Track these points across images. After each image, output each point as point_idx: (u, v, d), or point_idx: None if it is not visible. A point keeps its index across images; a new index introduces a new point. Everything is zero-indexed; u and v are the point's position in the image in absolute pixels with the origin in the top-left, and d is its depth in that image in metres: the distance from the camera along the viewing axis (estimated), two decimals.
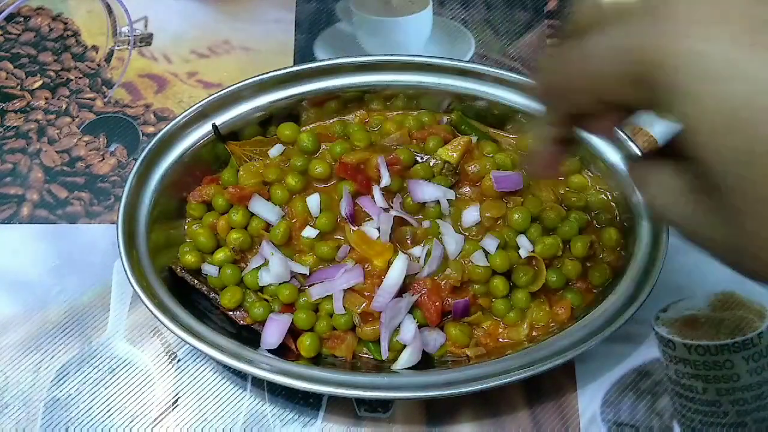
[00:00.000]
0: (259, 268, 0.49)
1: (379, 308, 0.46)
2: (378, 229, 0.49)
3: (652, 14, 0.25)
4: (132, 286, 0.46)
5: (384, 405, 0.49)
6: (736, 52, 0.23)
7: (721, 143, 0.23)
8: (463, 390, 0.44)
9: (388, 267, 0.47)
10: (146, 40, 0.66)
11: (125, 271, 0.46)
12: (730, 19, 0.23)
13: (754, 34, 0.23)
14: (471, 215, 0.49)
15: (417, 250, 0.48)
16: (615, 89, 0.26)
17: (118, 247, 0.47)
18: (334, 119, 0.55)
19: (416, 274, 0.48)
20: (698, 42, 0.23)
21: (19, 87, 0.63)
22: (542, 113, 0.32)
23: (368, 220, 0.49)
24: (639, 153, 0.46)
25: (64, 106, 0.62)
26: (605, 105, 0.28)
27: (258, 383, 0.50)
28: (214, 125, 0.52)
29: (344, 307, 0.47)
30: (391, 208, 0.50)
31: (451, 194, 0.50)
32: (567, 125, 0.32)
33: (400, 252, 0.48)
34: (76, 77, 0.64)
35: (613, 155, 0.51)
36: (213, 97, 0.52)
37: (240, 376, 0.50)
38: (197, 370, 0.51)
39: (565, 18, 0.67)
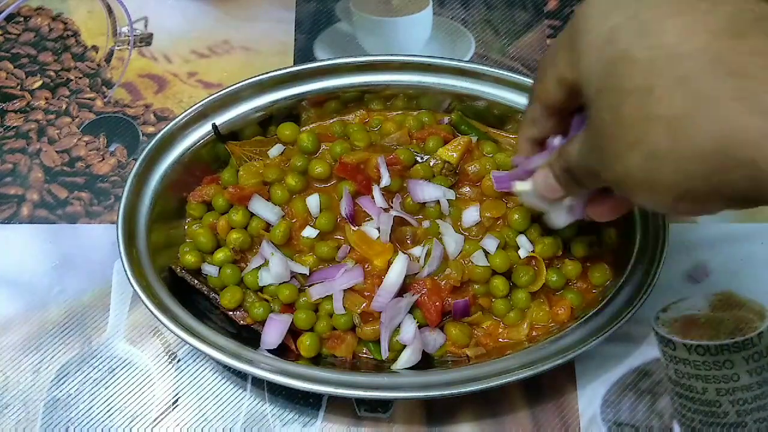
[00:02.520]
0: (259, 268, 0.49)
1: (379, 308, 0.46)
2: (378, 229, 0.49)
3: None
4: (132, 286, 0.46)
5: (384, 405, 0.49)
6: (620, 3, 0.30)
7: (594, 59, 0.31)
8: (463, 390, 0.44)
9: (388, 267, 0.47)
10: (146, 40, 0.66)
11: (125, 271, 0.46)
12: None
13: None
14: (471, 215, 0.49)
15: (417, 250, 0.48)
16: (562, 57, 0.34)
17: (118, 247, 0.47)
18: (334, 119, 0.55)
19: (416, 274, 0.48)
20: (591, 8, 0.32)
21: (19, 87, 0.63)
22: (527, 112, 0.39)
23: (368, 220, 0.49)
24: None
25: (64, 106, 0.62)
26: (559, 81, 0.34)
27: (258, 383, 0.50)
28: (214, 125, 0.52)
29: (344, 307, 0.47)
30: (391, 208, 0.50)
31: (451, 194, 0.50)
32: (545, 123, 0.38)
33: (399, 252, 0.48)
34: (76, 77, 0.64)
35: None
36: (213, 97, 0.52)
37: (240, 376, 0.50)
38: (197, 370, 0.51)
39: (566, 18, 0.67)
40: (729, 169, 0.27)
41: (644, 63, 0.28)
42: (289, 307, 0.48)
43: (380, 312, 0.46)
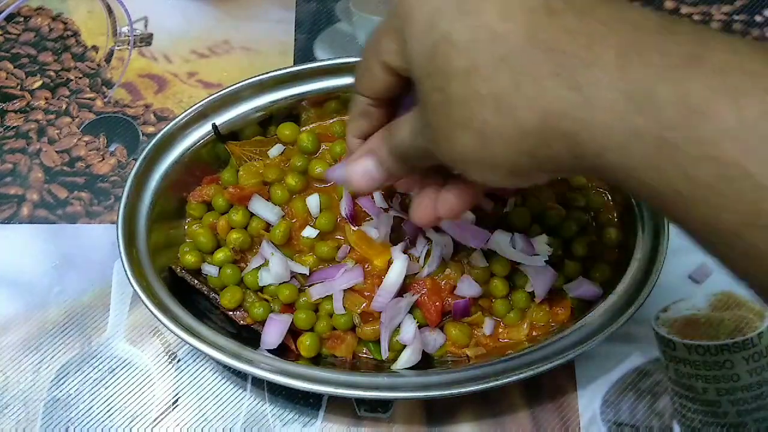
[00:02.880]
0: (259, 268, 0.49)
1: (379, 308, 0.46)
2: (378, 229, 0.49)
3: None
4: (132, 286, 0.46)
5: (384, 405, 0.49)
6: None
7: (418, 44, 0.31)
8: (463, 390, 0.44)
9: (389, 267, 0.47)
10: (146, 40, 0.66)
11: (125, 271, 0.46)
12: None
13: None
14: (468, 214, 0.49)
15: (417, 251, 0.48)
16: (388, 45, 0.34)
17: (118, 247, 0.47)
18: (334, 119, 0.55)
19: (416, 274, 0.48)
20: None
21: (19, 87, 0.63)
22: (353, 106, 0.38)
23: (368, 220, 0.49)
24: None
25: (64, 106, 0.62)
26: (387, 70, 0.35)
27: (258, 383, 0.50)
28: (214, 125, 0.52)
29: (344, 307, 0.47)
30: (391, 208, 0.50)
31: None
32: (375, 116, 0.38)
33: (399, 252, 0.48)
34: (76, 77, 0.64)
35: None
36: (213, 97, 0.52)
37: (240, 376, 0.50)
38: (197, 370, 0.51)
39: None
40: (552, 142, 0.28)
41: (466, 43, 0.29)
42: (289, 307, 0.48)
43: (380, 312, 0.46)
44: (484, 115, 0.29)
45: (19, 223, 0.56)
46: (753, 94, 0.24)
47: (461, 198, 0.37)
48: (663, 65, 0.26)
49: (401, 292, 0.47)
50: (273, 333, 0.47)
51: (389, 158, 0.37)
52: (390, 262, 0.47)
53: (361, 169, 0.38)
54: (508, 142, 0.29)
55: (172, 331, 0.45)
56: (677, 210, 0.27)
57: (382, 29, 0.34)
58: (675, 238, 0.48)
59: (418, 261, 0.48)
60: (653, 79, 0.26)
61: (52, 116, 0.61)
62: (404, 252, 0.48)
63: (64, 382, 0.50)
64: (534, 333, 0.48)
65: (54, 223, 0.56)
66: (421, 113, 0.33)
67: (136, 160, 0.50)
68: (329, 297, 0.48)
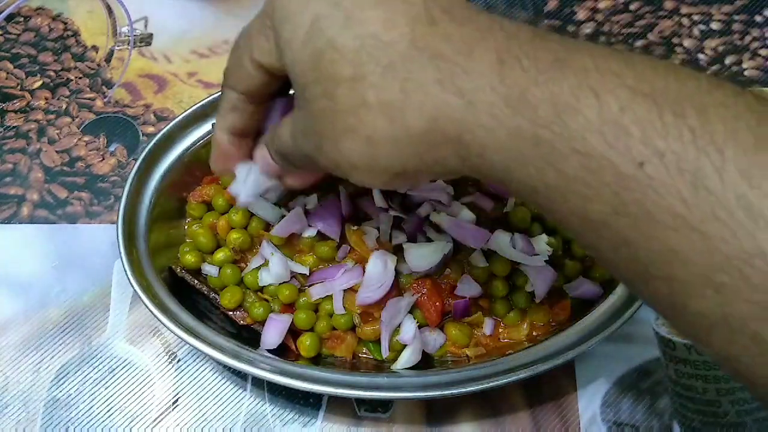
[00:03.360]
0: (259, 268, 0.49)
1: (362, 303, 0.46)
2: (378, 229, 0.49)
3: None
4: (132, 286, 0.46)
5: (384, 405, 0.49)
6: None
7: (300, 50, 0.31)
8: (463, 390, 0.43)
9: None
10: (146, 40, 0.66)
11: (125, 271, 0.46)
12: None
13: None
14: (467, 214, 0.49)
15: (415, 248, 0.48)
16: (262, 44, 0.34)
17: (118, 247, 0.47)
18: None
19: (414, 273, 0.48)
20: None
21: (19, 87, 0.63)
22: (222, 101, 0.39)
23: (368, 220, 0.49)
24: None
25: (64, 106, 0.62)
26: (259, 67, 0.35)
27: (258, 383, 0.50)
28: (214, 125, 0.52)
29: (344, 307, 0.47)
30: (391, 207, 0.50)
31: (449, 189, 0.50)
32: (246, 111, 0.38)
33: (378, 250, 0.48)
34: (76, 77, 0.64)
35: None
36: (213, 97, 0.52)
37: (240, 376, 0.50)
38: (197, 370, 0.51)
39: (566, 18, 0.67)
40: (439, 146, 0.30)
41: (352, 52, 0.30)
42: (289, 307, 0.48)
43: (380, 312, 0.46)
44: (374, 122, 0.30)
45: (19, 223, 0.57)
46: (612, 92, 0.26)
47: (308, 178, 0.42)
48: (536, 69, 0.28)
49: (401, 291, 0.47)
50: (273, 333, 0.47)
51: (277, 157, 0.38)
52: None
53: (260, 154, 0.40)
54: (396, 147, 0.30)
55: (172, 331, 0.45)
56: (551, 204, 0.28)
57: (255, 27, 0.35)
58: None
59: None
60: (527, 82, 0.27)
61: (52, 116, 0.61)
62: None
63: (64, 382, 0.50)
64: (534, 333, 0.48)
65: (54, 223, 0.56)
66: (302, 119, 0.33)
67: (136, 160, 0.50)
68: (329, 297, 0.48)
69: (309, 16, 0.31)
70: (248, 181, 0.42)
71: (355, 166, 0.32)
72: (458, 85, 0.28)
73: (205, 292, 0.49)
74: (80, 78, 0.64)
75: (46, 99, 0.62)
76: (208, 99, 0.52)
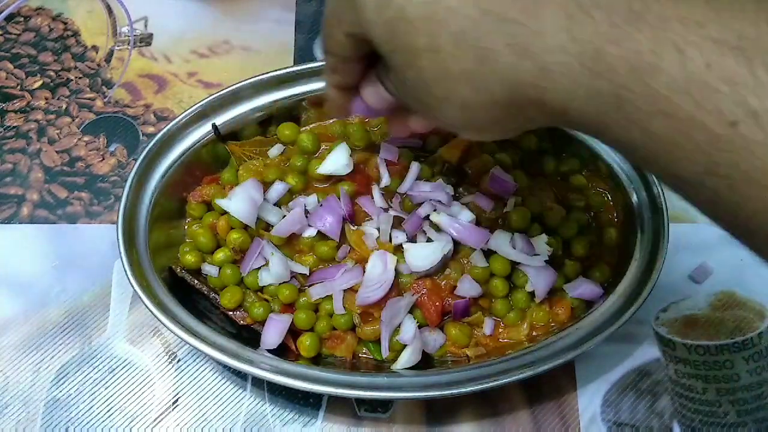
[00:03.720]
0: (259, 268, 0.49)
1: (362, 303, 0.46)
2: (378, 229, 0.49)
3: None
4: (132, 286, 0.46)
5: (384, 405, 0.49)
6: None
7: (376, 21, 0.31)
8: (463, 390, 0.44)
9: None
10: (146, 40, 0.66)
11: (125, 271, 0.46)
12: None
13: None
14: (467, 214, 0.49)
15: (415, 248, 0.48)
16: (345, 15, 0.33)
17: (118, 247, 0.47)
18: (334, 119, 0.55)
19: (414, 273, 0.48)
20: None
21: (19, 87, 0.63)
22: (325, 62, 0.39)
23: (368, 220, 0.49)
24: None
25: (64, 106, 0.62)
26: (348, 37, 0.34)
27: (258, 383, 0.50)
28: (214, 125, 0.52)
29: (344, 307, 0.47)
30: (391, 207, 0.50)
31: (449, 189, 0.50)
32: (346, 70, 0.38)
33: (378, 249, 0.48)
34: (76, 77, 0.64)
35: (613, 156, 0.51)
36: (213, 97, 0.52)
37: (240, 376, 0.50)
38: (197, 370, 0.51)
39: None
40: (525, 108, 0.29)
41: (422, 21, 0.29)
42: (289, 307, 0.48)
43: (380, 312, 0.46)
44: (461, 91, 0.30)
45: (19, 223, 0.56)
46: (697, 45, 0.25)
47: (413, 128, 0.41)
48: (609, 22, 0.26)
49: (401, 292, 0.47)
50: (273, 333, 0.47)
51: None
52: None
53: (372, 94, 0.39)
54: (489, 112, 0.30)
55: (172, 331, 0.45)
56: (644, 161, 0.28)
57: (336, 1, 0.34)
58: (675, 238, 0.48)
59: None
60: (601, 39, 0.26)
61: (52, 116, 0.61)
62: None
63: (64, 382, 0.50)
64: (534, 333, 0.48)
65: (54, 223, 0.56)
66: (397, 84, 0.34)
67: (136, 160, 0.50)
68: (329, 297, 0.48)
69: None
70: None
71: (461, 128, 0.32)
72: (528, 48, 0.27)
73: (205, 292, 0.49)
74: (80, 78, 0.64)
75: (46, 99, 0.62)
76: (208, 99, 0.52)
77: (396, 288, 0.47)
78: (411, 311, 0.47)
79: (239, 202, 0.48)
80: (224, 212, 0.51)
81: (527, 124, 0.31)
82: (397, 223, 0.49)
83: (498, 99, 0.29)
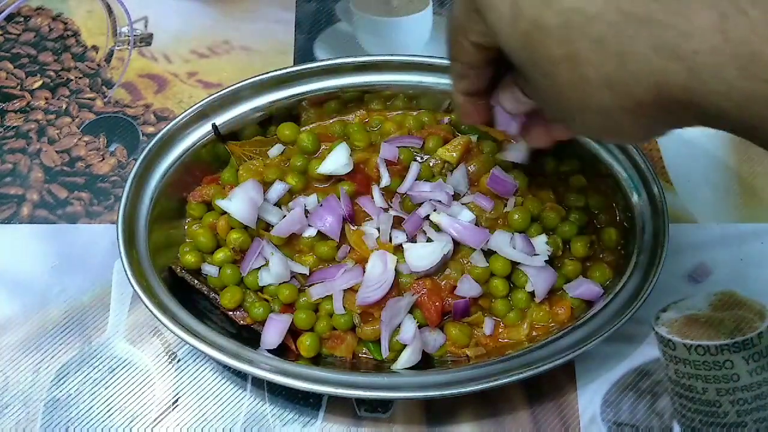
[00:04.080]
0: (259, 268, 0.49)
1: (362, 303, 0.46)
2: (378, 229, 0.49)
3: None
4: (132, 286, 0.46)
5: (384, 405, 0.49)
6: None
7: (509, 33, 0.31)
8: (463, 390, 0.44)
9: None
10: (146, 40, 0.66)
11: (125, 271, 0.46)
12: None
13: None
14: (466, 215, 0.49)
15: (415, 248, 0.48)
16: (472, 27, 0.34)
17: (118, 247, 0.47)
18: (334, 119, 0.55)
19: (414, 273, 0.48)
20: None
21: (19, 87, 0.63)
22: (451, 70, 0.39)
23: (368, 220, 0.49)
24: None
25: (64, 106, 0.62)
26: (475, 47, 0.35)
27: (258, 383, 0.50)
28: (214, 125, 0.52)
29: (344, 307, 0.47)
30: (391, 207, 0.50)
31: (449, 189, 0.50)
32: (472, 77, 0.38)
33: (378, 250, 0.48)
34: (76, 77, 0.64)
35: (613, 156, 0.51)
36: (213, 97, 0.52)
37: (240, 376, 0.50)
38: (197, 370, 0.51)
39: None
40: (673, 110, 0.29)
41: (558, 30, 0.29)
42: (289, 307, 0.48)
43: (380, 312, 0.46)
44: (601, 97, 0.29)
45: (19, 223, 0.56)
46: None
47: (549, 136, 0.42)
48: (766, 21, 0.25)
49: (401, 292, 0.47)
50: (273, 333, 0.47)
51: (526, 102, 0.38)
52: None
53: (509, 99, 0.39)
54: (631, 115, 0.30)
55: (172, 331, 0.45)
56: None
57: (462, 11, 0.34)
58: (675, 238, 0.48)
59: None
60: (758, 39, 0.25)
61: (52, 116, 0.61)
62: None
63: (64, 382, 0.50)
64: (534, 333, 0.48)
65: (54, 223, 0.56)
66: (532, 92, 0.34)
67: (136, 160, 0.50)
68: (329, 297, 0.48)
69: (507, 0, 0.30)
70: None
71: (601, 134, 0.32)
72: (676, 49, 0.27)
73: (205, 292, 0.49)
74: (80, 78, 0.64)
75: (46, 99, 0.62)
76: (208, 99, 0.52)
77: (396, 288, 0.47)
78: (411, 311, 0.47)
79: (239, 202, 0.48)
80: (224, 212, 0.51)
81: (670, 126, 0.31)
82: (397, 223, 0.49)
83: (641, 102, 0.29)
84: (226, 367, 0.50)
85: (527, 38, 0.30)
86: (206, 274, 0.50)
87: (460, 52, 0.36)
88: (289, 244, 0.50)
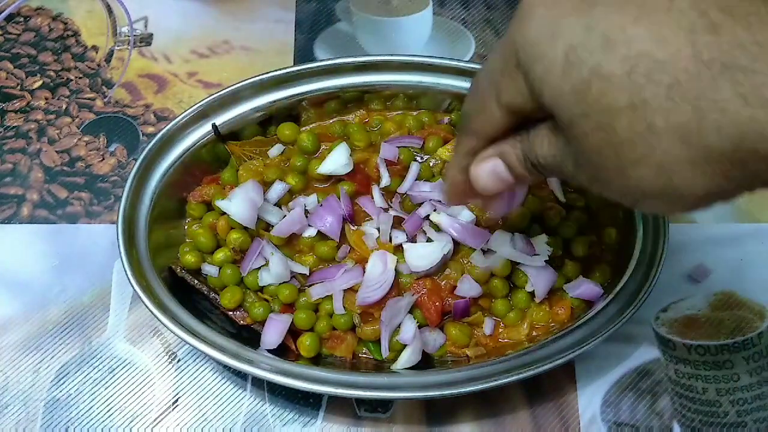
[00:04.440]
0: (259, 268, 0.49)
1: (362, 303, 0.46)
2: (378, 229, 0.49)
3: (515, 15, 0.31)
4: (132, 286, 0.46)
5: (384, 405, 0.49)
6: (565, 15, 0.29)
7: (559, 85, 0.29)
8: (463, 390, 0.44)
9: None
10: (146, 40, 0.66)
11: (125, 271, 0.46)
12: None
13: (582, 4, 0.29)
14: (467, 214, 0.49)
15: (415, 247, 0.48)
16: (509, 86, 0.32)
17: (118, 247, 0.47)
18: (334, 119, 0.55)
19: (414, 273, 0.48)
20: (537, 17, 0.30)
21: (19, 87, 0.63)
22: (460, 143, 0.37)
23: (368, 220, 0.49)
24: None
25: (64, 106, 0.62)
26: (508, 111, 0.33)
27: (258, 383, 0.50)
28: (214, 125, 0.52)
29: (344, 307, 0.47)
30: (391, 207, 0.50)
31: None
32: (483, 147, 0.36)
33: (377, 250, 0.48)
34: (76, 77, 0.64)
35: None
36: (213, 97, 0.52)
37: (240, 376, 0.50)
38: (197, 370, 0.51)
39: None
40: (749, 163, 0.27)
41: (623, 78, 0.27)
42: (289, 307, 0.48)
43: (380, 312, 0.46)
44: (664, 148, 0.27)
45: (19, 223, 0.56)
46: None
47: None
48: None
49: (401, 292, 0.47)
50: (273, 333, 0.47)
51: (520, 166, 0.35)
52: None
53: (489, 168, 0.36)
54: (696, 170, 0.27)
55: (172, 331, 0.45)
56: None
57: (497, 70, 0.32)
58: (675, 238, 0.48)
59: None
60: None
61: (52, 116, 0.61)
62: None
63: (64, 382, 0.50)
64: (534, 333, 0.48)
65: (54, 223, 0.56)
66: (572, 152, 0.31)
67: (136, 160, 0.50)
68: (329, 297, 0.48)
69: (561, 47, 0.28)
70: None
71: (648, 195, 0.29)
72: (763, 97, 0.25)
73: (205, 292, 0.49)
74: (80, 78, 0.64)
75: (46, 99, 0.62)
76: (208, 99, 0.52)
77: (396, 288, 0.47)
78: (411, 311, 0.47)
79: (239, 204, 0.48)
80: (224, 212, 0.51)
81: (741, 185, 0.28)
82: (397, 223, 0.49)
83: (715, 153, 0.27)
84: (226, 367, 0.50)
85: (584, 89, 0.28)
86: (206, 274, 0.50)
87: (481, 122, 0.34)
88: (289, 244, 0.50)
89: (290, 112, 0.54)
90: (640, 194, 0.30)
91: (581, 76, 0.28)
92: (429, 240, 0.48)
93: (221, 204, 0.49)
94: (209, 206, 0.52)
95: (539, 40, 0.29)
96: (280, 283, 0.48)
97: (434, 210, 0.49)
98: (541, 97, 0.30)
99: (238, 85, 0.53)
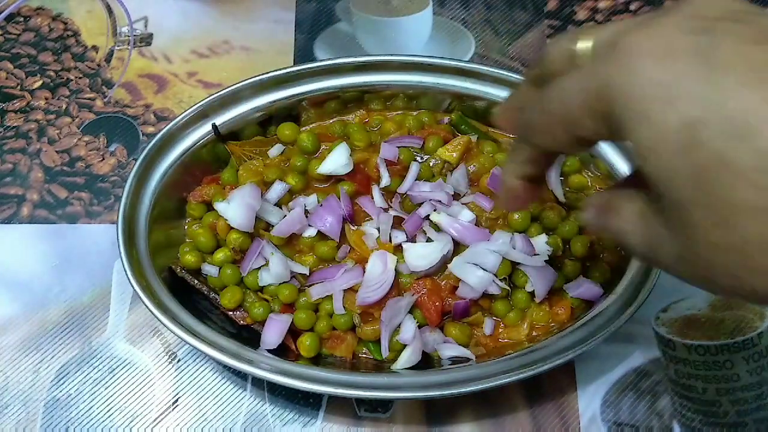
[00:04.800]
0: (259, 268, 0.49)
1: (362, 303, 0.46)
2: (378, 229, 0.49)
3: (610, 55, 0.27)
4: (132, 286, 0.46)
5: (384, 405, 0.49)
6: (682, 76, 0.24)
7: (673, 162, 0.25)
8: (463, 390, 0.44)
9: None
10: (146, 40, 0.66)
11: (125, 271, 0.46)
12: (673, 48, 0.25)
13: (697, 57, 0.24)
14: (467, 214, 0.49)
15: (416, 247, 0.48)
16: (588, 125, 0.28)
17: (118, 247, 0.47)
18: (334, 119, 0.55)
19: (414, 273, 0.48)
20: (646, 71, 0.25)
21: (19, 87, 0.63)
22: (517, 151, 0.34)
23: (368, 220, 0.49)
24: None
25: (64, 106, 0.62)
26: (578, 140, 0.29)
27: (258, 383, 0.50)
28: (214, 125, 0.52)
29: (344, 307, 0.47)
30: (391, 207, 0.50)
31: (449, 189, 0.50)
32: (541, 162, 0.34)
33: (377, 250, 0.48)
34: (76, 77, 0.64)
35: (612, 156, 0.51)
36: (213, 97, 0.52)
37: (240, 376, 0.50)
38: (197, 370, 0.51)
39: (566, 18, 0.67)
40: None
41: (758, 175, 0.23)
42: (289, 307, 0.48)
43: (380, 312, 0.46)
44: None
45: (19, 223, 0.56)
46: None
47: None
48: None
49: (401, 292, 0.47)
50: (273, 333, 0.47)
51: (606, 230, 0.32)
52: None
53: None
54: None
55: (172, 331, 0.45)
56: None
57: (576, 102, 0.28)
58: None
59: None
60: None
61: (52, 116, 0.61)
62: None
63: (64, 382, 0.50)
64: (534, 333, 0.48)
65: (54, 223, 0.56)
66: (679, 243, 0.27)
67: (136, 160, 0.50)
68: (329, 297, 0.48)
69: (677, 118, 0.24)
70: None
71: (761, 299, 0.26)
72: None
73: (205, 292, 0.49)
74: (80, 78, 0.64)
75: (46, 99, 0.62)
76: (208, 99, 0.52)
77: (396, 288, 0.47)
78: (411, 311, 0.47)
79: (236, 208, 0.48)
80: None
81: None
82: (397, 223, 0.49)
83: None
84: (226, 367, 0.50)
85: (705, 176, 0.24)
86: (206, 274, 0.50)
87: (543, 138, 0.31)
88: (289, 244, 0.50)
89: (290, 112, 0.54)
90: (750, 296, 0.26)
91: (704, 161, 0.24)
92: (429, 240, 0.48)
93: (219, 207, 0.49)
94: (209, 206, 0.52)
95: (649, 99, 0.25)
96: (280, 283, 0.48)
97: (434, 210, 0.49)
98: (644, 165, 0.26)
99: (238, 85, 0.53)
